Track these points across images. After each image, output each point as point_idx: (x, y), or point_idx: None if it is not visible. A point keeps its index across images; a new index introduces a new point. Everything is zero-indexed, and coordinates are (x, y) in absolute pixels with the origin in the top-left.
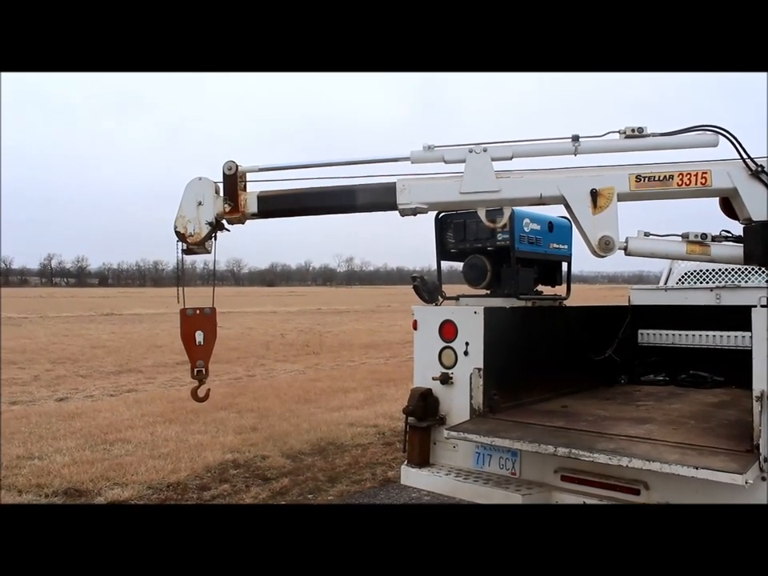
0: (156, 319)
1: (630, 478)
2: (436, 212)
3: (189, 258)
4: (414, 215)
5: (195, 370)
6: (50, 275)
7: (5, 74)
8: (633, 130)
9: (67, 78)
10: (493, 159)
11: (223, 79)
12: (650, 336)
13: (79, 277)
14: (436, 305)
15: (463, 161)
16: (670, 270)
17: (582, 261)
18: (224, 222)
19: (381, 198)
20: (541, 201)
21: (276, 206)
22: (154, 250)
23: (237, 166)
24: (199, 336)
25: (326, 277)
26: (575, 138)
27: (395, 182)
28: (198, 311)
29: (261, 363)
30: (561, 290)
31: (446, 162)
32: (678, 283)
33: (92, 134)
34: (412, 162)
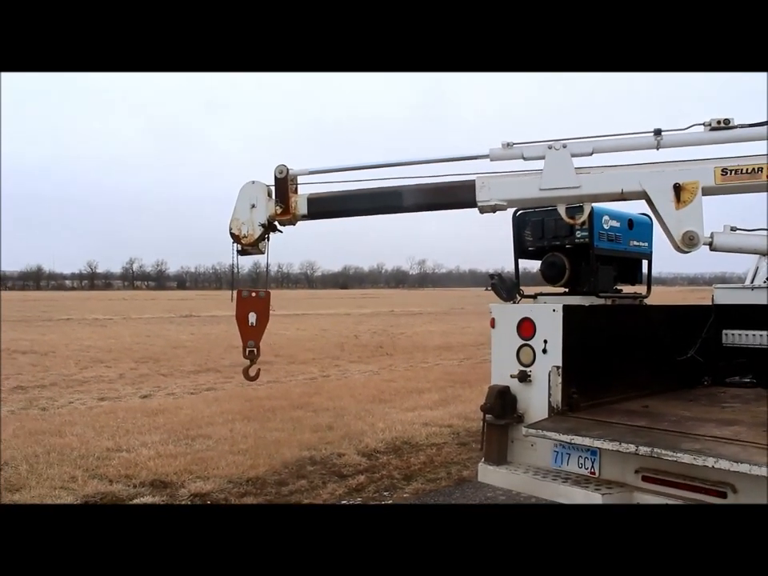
0: (232, 321)
1: (715, 480)
2: (513, 210)
3: (262, 261)
4: (494, 212)
5: (247, 350)
6: (132, 279)
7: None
8: (719, 122)
9: (142, 81)
10: (572, 155)
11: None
12: (736, 336)
13: (159, 280)
14: (514, 303)
15: (542, 157)
16: (757, 267)
17: (661, 262)
18: (276, 223)
19: (458, 197)
20: (622, 196)
21: (329, 206)
22: (229, 254)
23: (287, 170)
24: (252, 317)
25: (398, 279)
26: (657, 132)
27: (474, 180)
28: (253, 293)
29: (335, 364)
30: (641, 289)
31: (524, 158)
32: (765, 282)
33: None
34: (491, 160)
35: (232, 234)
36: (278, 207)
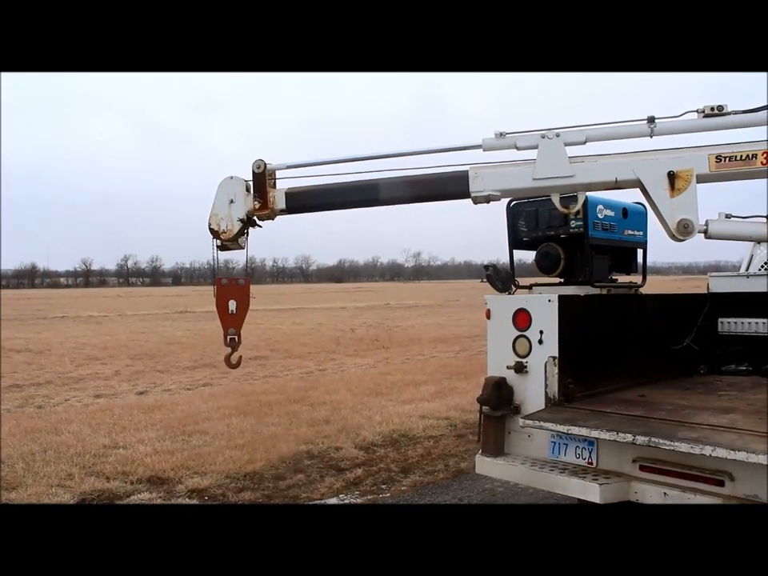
0: None
1: (713, 469)
2: (507, 201)
3: (258, 256)
4: (488, 202)
5: (228, 337)
6: (127, 275)
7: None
8: (712, 109)
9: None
10: (566, 144)
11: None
12: (731, 325)
13: (154, 276)
14: (509, 294)
15: (536, 147)
16: (752, 255)
17: (655, 251)
18: (255, 218)
19: (451, 188)
20: (616, 185)
21: (308, 201)
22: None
23: (265, 164)
24: (232, 305)
25: (393, 272)
26: (651, 120)
27: (467, 170)
28: (232, 281)
29: (331, 358)
30: (637, 278)
31: (518, 148)
32: (760, 269)
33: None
34: (484, 150)
35: (211, 230)
36: (256, 202)
